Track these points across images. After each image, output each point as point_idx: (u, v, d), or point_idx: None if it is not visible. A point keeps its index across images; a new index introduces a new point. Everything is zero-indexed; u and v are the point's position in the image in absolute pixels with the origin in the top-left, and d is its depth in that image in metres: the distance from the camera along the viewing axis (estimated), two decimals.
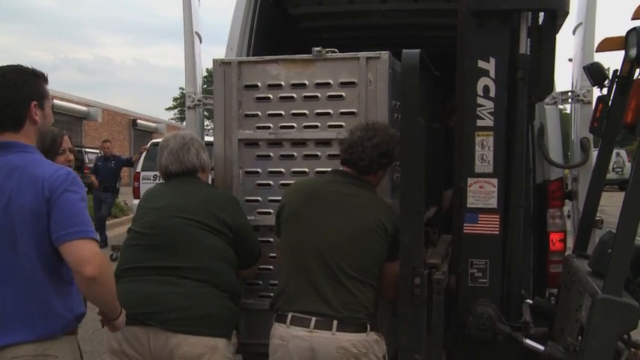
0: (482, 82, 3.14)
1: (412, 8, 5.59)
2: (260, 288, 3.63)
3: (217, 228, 3.24)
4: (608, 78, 3.54)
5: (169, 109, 57.34)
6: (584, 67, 3.73)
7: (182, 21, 4.43)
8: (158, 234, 3.20)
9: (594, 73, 3.57)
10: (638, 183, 2.81)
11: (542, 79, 3.24)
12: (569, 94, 4.38)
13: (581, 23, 4.36)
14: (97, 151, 23.12)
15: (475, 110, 3.15)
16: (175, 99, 56.41)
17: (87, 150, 25.09)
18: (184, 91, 4.37)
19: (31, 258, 2.39)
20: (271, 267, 3.60)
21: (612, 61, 3.60)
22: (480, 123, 3.15)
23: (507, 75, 3.15)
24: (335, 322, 2.92)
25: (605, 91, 3.58)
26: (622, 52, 3.55)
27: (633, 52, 2.86)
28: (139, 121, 34.19)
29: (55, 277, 2.44)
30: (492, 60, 3.13)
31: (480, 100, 3.14)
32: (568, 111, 5.01)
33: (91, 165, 15.35)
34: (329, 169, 3.44)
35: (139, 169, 12.60)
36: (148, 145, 12.94)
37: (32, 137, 2.53)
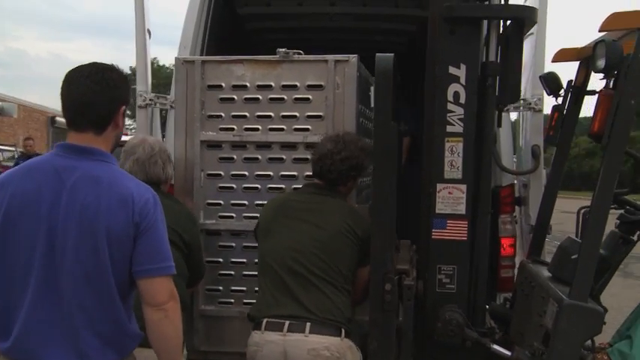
0: (453, 88, 3.14)
1: (361, 12, 5.60)
2: (220, 294, 3.56)
3: (175, 241, 3.14)
4: (563, 87, 3.62)
5: None
6: (540, 77, 3.79)
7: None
8: None
9: (550, 82, 3.64)
10: (603, 191, 2.87)
11: (509, 86, 3.27)
12: (521, 102, 4.47)
13: (532, 33, 4.46)
14: (12, 148, 22.23)
15: (445, 116, 3.15)
16: None
17: (1, 148, 24.09)
18: (139, 91, 4.22)
19: (109, 282, 2.22)
20: (232, 272, 3.54)
21: (563, 71, 3.70)
22: (449, 129, 3.16)
23: (477, 82, 3.18)
24: (308, 325, 2.90)
25: (560, 100, 3.66)
26: (576, 63, 3.66)
27: (601, 62, 2.92)
28: (57, 118, 32.98)
29: (125, 301, 2.30)
30: (463, 66, 3.14)
31: (450, 106, 3.14)
32: (512, 119, 5.12)
33: (9, 164, 14.71)
34: (294, 173, 3.41)
35: None
36: None
37: (110, 144, 2.35)
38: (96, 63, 2.35)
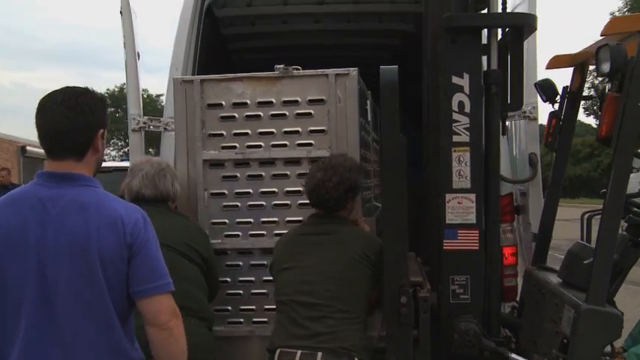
0: (457, 97, 3.14)
1: (345, 29, 5.60)
2: (229, 314, 3.50)
3: (194, 258, 3.14)
4: (559, 94, 3.64)
5: None
6: (535, 84, 3.81)
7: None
8: None
9: (546, 89, 3.66)
10: (615, 194, 2.88)
11: (512, 93, 3.28)
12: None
13: None
14: None
15: (451, 126, 3.14)
16: None
17: None
18: (132, 115, 4.16)
19: (107, 306, 2.16)
20: (241, 292, 3.50)
21: (553, 77, 3.72)
22: (456, 139, 3.15)
23: (481, 90, 3.17)
24: (319, 354, 2.85)
25: (556, 106, 3.68)
26: (566, 70, 3.69)
27: (606, 66, 2.93)
28: (28, 147, 32.48)
29: (125, 325, 2.24)
30: (466, 76, 3.14)
31: (455, 116, 3.14)
32: None
33: None
34: (299, 189, 3.37)
35: None
36: None
37: (92, 168, 2.28)
38: (69, 87, 2.28)
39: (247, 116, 3.46)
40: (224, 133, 3.48)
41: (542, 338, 3.24)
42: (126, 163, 13.56)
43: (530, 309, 3.55)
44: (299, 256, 3.07)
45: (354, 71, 3.40)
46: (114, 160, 23.95)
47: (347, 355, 2.88)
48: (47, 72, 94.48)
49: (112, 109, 54.71)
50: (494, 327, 3.21)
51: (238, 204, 3.48)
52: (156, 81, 73.72)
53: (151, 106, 45.39)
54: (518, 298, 3.92)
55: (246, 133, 3.46)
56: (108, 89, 54.97)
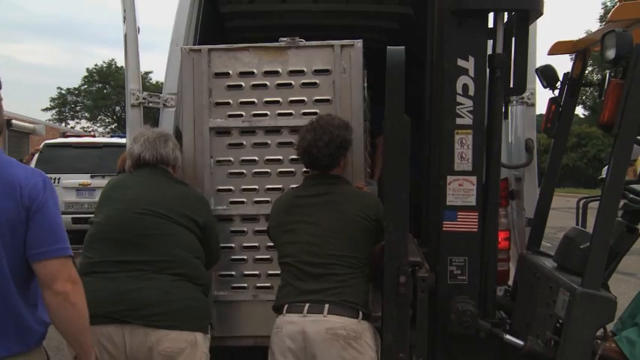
0: (462, 80, 3.15)
1: (343, 10, 5.59)
2: (233, 279, 3.57)
3: (189, 225, 3.15)
4: (560, 80, 3.66)
5: (47, 109, 54.59)
6: (536, 70, 3.82)
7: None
8: (128, 227, 3.03)
9: (547, 75, 3.68)
10: (614, 180, 2.91)
11: (516, 77, 3.30)
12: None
13: None
14: None
15: (454, 108, 3.15)
16: (53, 99, 54.12)
17: None
18: (131, 90, 4.11)
19: (3, 270, 2.17)
20: (245, 257, 3.57)
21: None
22: (459, 121, 3.17)
23: (485, 74, 3.19)
24: (327, 306, 2.97)
25: (557, 92, 3.70)
26: (571, 56, 3.70)
27: (611, 52, 2.94)
28: (13, 121, 32.10)
29: (25, 289, 2.25)
30: (471, 59, 3.15)
31: (459, 99, 3.15)
32: None
33: None
34: None
35: None
36: (41, 146, 12.30)
37: None
38: None
39: (254, 85, 3.53)
40: (230, 101, 3.54)
41: (536, 321, 3.28)
42: (115, 140, 13.53)
43: (524, 292, 3.59)
44: (300, 218, 3.15)
45: (358, 43, 3.48)
46: (103, 136, 23.83)
47: (352, 309, 2.99)
48: (33, 45, 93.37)
49: (100, 85, 54.28)
50: (489, 308, 3.26)
51: (244, 171, 3.55)
52: (143, 58, 72.90)
53: None
54: (510, 282, 3.97)
55: (253, 102, 3.53)
56: (96, 65, 54.51)
